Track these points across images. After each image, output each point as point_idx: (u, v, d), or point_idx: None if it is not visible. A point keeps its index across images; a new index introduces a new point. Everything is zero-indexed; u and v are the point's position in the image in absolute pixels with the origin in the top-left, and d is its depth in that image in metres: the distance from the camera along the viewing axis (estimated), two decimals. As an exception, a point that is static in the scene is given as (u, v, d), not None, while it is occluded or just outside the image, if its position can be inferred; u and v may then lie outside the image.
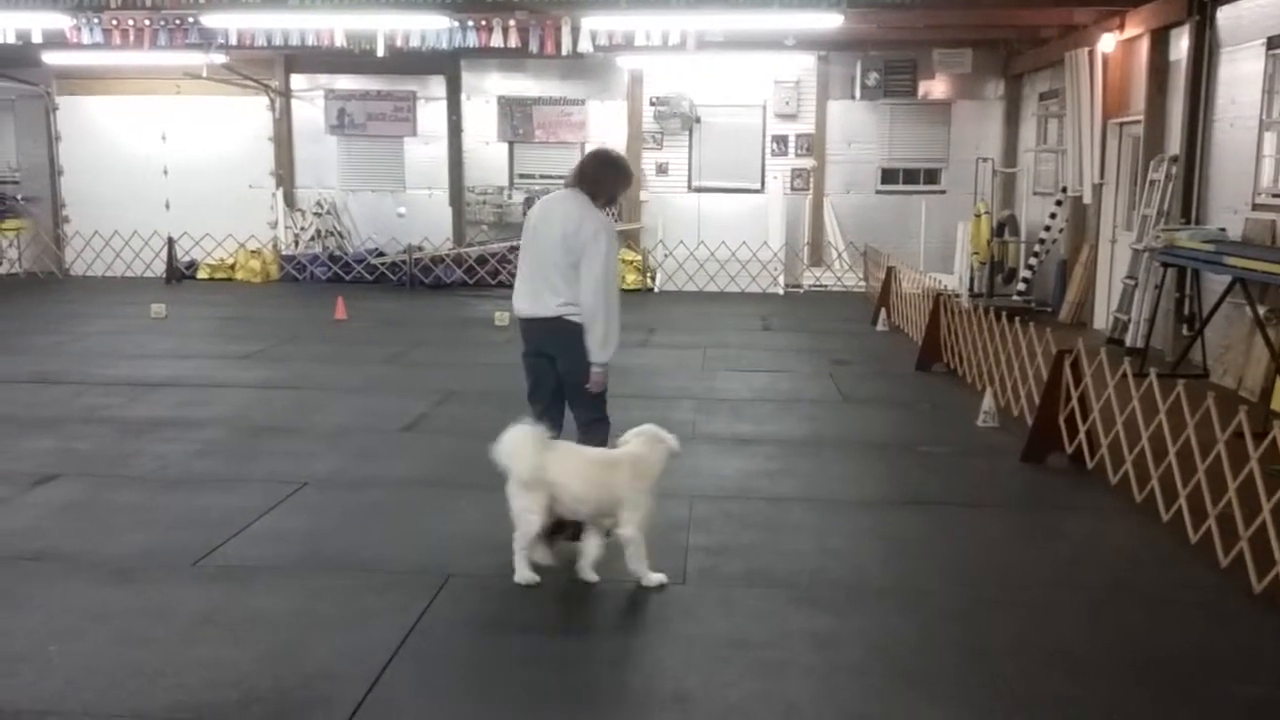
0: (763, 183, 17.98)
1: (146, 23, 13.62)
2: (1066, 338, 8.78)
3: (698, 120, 17.96)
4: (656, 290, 17.12)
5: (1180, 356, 10.20)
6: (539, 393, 5.79)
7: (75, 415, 8.64)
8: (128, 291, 16.65)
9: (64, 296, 16.47)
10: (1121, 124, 13.18)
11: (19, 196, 18.99)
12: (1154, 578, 5.50)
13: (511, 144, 18.43)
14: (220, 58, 16.08)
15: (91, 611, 4.89)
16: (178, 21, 13.68)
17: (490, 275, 17.46)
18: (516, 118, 18.30)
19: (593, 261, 5.48)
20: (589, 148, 17.40)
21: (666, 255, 17.38)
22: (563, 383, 5.73)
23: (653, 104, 17.92)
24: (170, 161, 18.89)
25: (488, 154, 18.47)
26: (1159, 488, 6.29)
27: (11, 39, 13.58)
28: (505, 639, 4.68)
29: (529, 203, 18.11)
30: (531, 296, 5.65)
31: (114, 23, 13.56)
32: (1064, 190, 14.54)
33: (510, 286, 18.15)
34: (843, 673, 4.40)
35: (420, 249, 17.66)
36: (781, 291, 17.14)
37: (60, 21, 13.28)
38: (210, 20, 13.34)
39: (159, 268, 18.35)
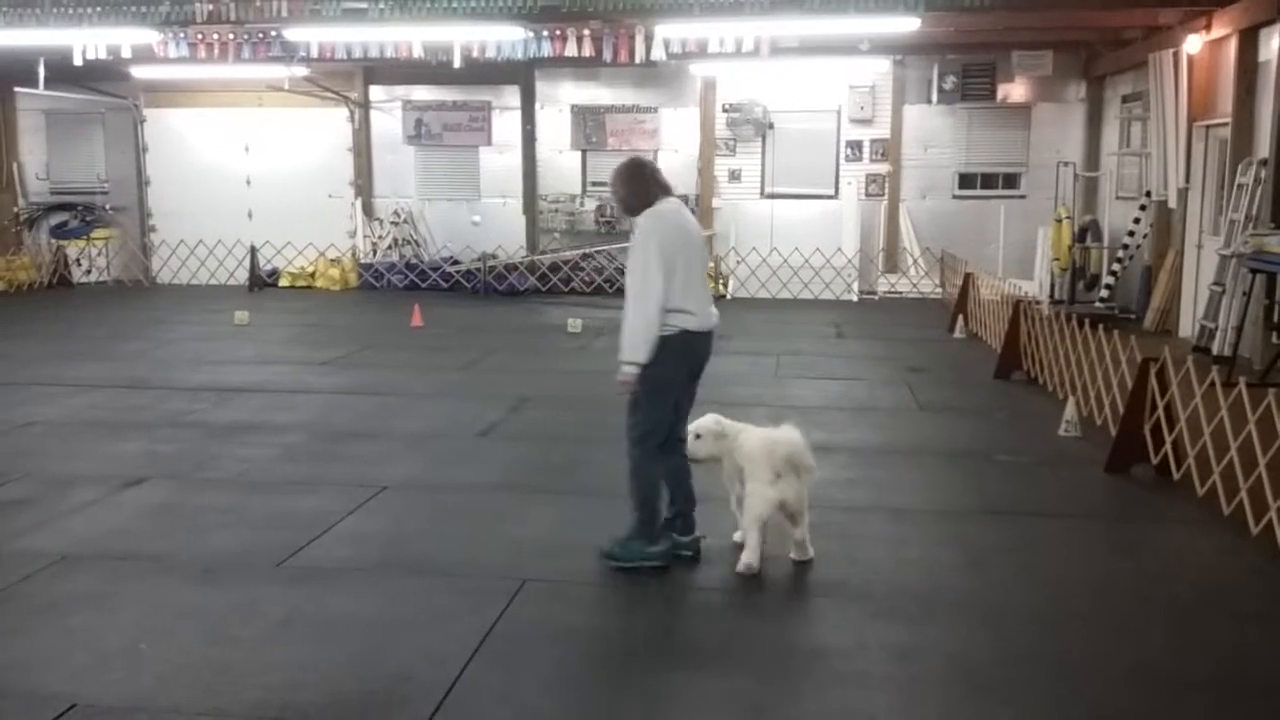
0: (837, 188, 17.84)
1: (231, 37, 13.94)
2: (1151, 345, 8.58)
3: (771, 126, 17.91)
4: (729, 297, 17.08)
5: (1270, 365, 9.91)
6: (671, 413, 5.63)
7: (162, 419, 8.88)
8: (212, 299, 17.07)
9: (150, 304, 16.95)
10: (1208, 127, 12.85)
11: (108, 206, 19.58)
12: (1243, 592, 5.35)
13: (584, 152, 18.55)
14: (301, 70, 16.41)
15: (180, 610, 5.02)
16: (261, 35, 14.00)
17: (563, 283, 17.57)
18: (589, 126, 18.41)
19: None
20: (662, 155, 17.75)
21: (739, 262, 17.34)
22: (690, 390, 5.71)
23: (726, 110, 17.92)
24: (253, 172, 19.33)
25: (561, 162, 18.60)
26: (1248, 500, 6.12)
27: (102, 54, 13.99)
28: (581, 643, 4.70)
29: (601, 210, 18.22)
30: (706, 309, 5.56)
31: (199, 37, 13.91)
32: (1148, 194, 14.21)
33: (581, 294, 17.97)
34: (920, 685, 4.35)
35: (494, 257, 17.84)
36: (855, 298, 17.00)
37: (148, 36, 13.66)
38: (292, 34, 13.63)
39: (242, 276, 18.78)
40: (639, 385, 5.38)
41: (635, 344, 5.34)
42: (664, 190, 5.60)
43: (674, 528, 5.65)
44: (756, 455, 5.44)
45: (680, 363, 5.48)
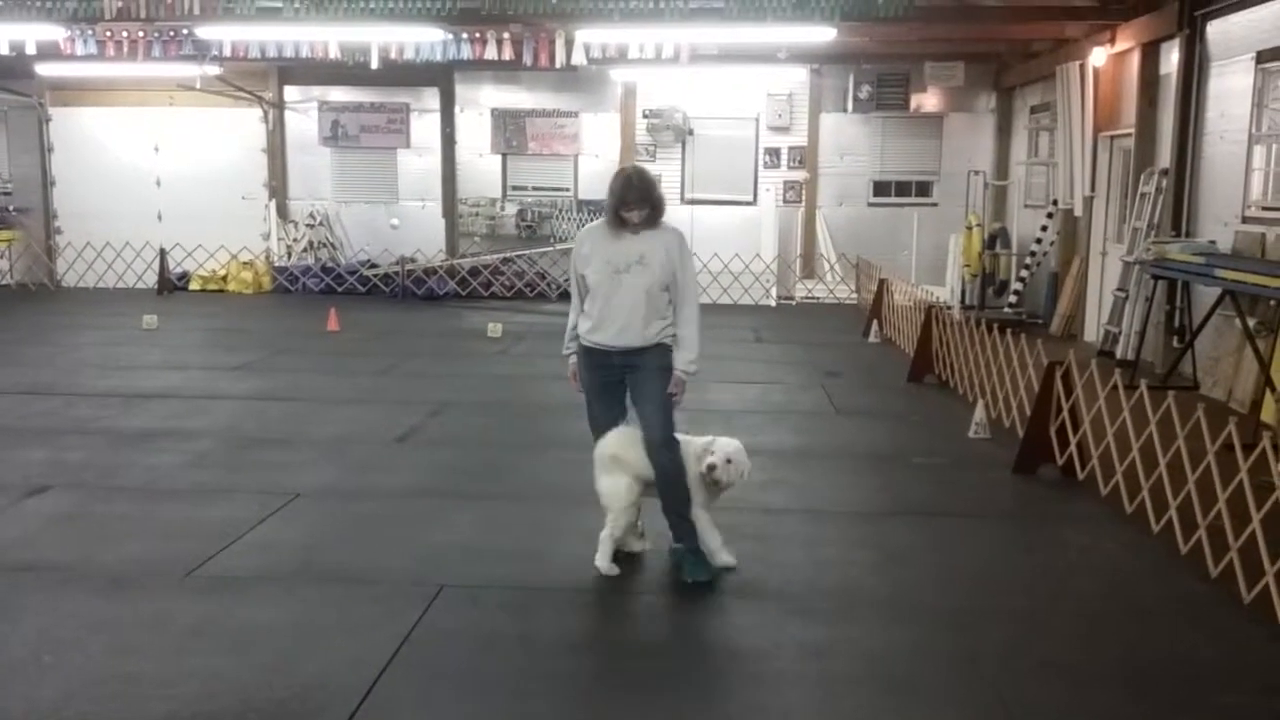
0: (755, 195, 18.03)
1: (141, 34, 13.62)
2: (1057, 350, 8.82)
3: (691, 133, 18.02)
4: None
5: (1170, 368, 10.25)
6: None
7: (67, 426, 8.63)
8: (119, 303, 16.63)
9: (55, 308, 16.45)
10: (1112, 137, 13.25)
11: (11, 207, 18.95)
12: (1144, 588, 5.53)
13: (505, 156, 18.47)
14: (214, 69, 16.11)
15: (85, 622, 4.89)
16: (172, 33, 13.70)
17: (483, 287, 17.48)
18: (510, 130, 18.34)
19: None
20: (582, 160, 17.80)
21: (659, 267, 17.36)
22: None
23: (646, 116, 17.98)
24: (163, 173, 18.89)
25: (481, 166, 18.51)
26: (1149, 499, 6.33)
27: (5, 50, 13.56)
28: (498, 649, 4.68)
29: (522, 215, 18.18)
30: None
31: (108, 34, 13.57)
32: (1055, 203, 14.61)
33: (501, 298, 17.93)
34: (836, 683, 4.42)
35: (413, 260, 17.68)
36: (774, 303, 17.18)
37: (54, 33, 13.28)
38: (204, 32, 13.37)
39: (151, 279, 18.32)
40: (675, 388, 5.56)
41: (700, 352, 5.59)
42: None
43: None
44: None
45: None
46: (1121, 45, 12.70)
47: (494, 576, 5.49)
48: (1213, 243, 10.25)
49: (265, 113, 18.50)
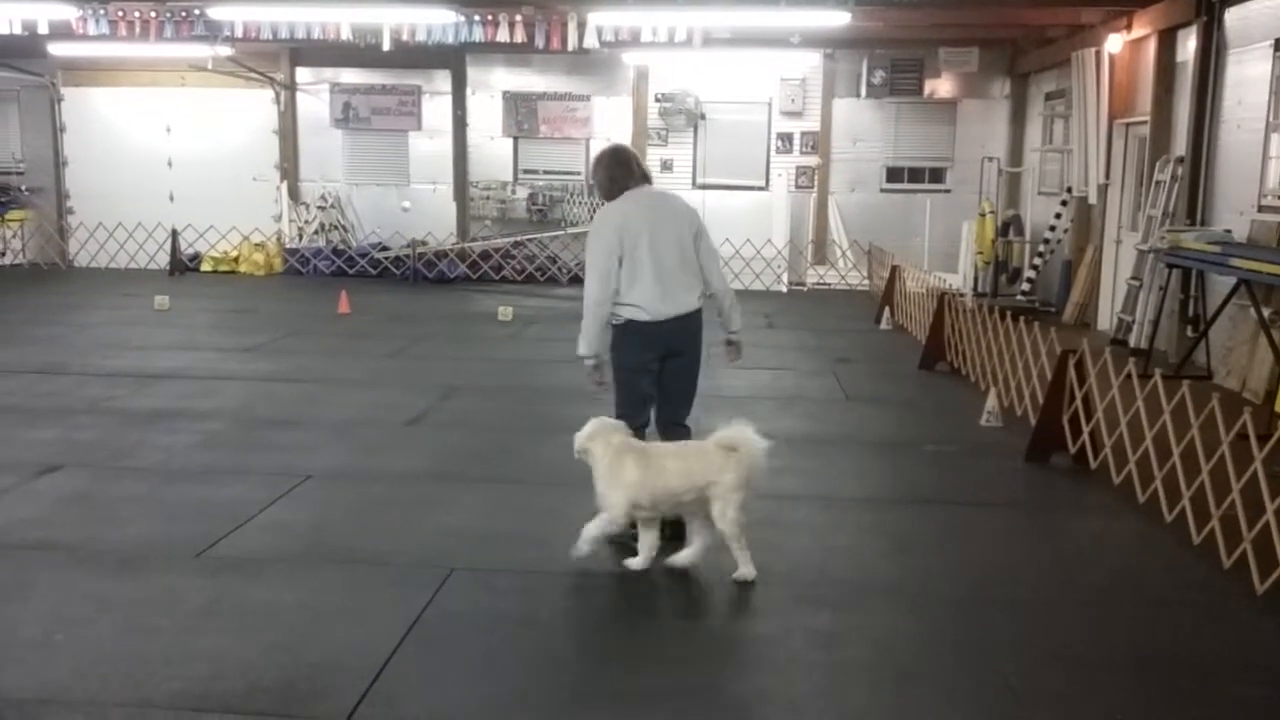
0: (767, 180, 17.96)
1: (153, 14, 13.62)
2: (1070, 338, 8.79)
3: (703, 117, 17.96)
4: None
5: (1184, 358, 10.19)
6: (648, 401, 5.72)
7: (79, 406, 8.65)
8: (131, 283, 16.67)
9: (67, 288, 16.50)
10: (1128, 124, 13.16)
11: (23, 187, 19.00)
12: (1156, 578, 5.51)
13: (516, 139, 18.43)
14: (226, 50, 16.09)
15: (96, 601, 4.90)
16: (184, 13, 13.69)
17: (494, 270, 17.47)
18: (521, 113, 18.30)
19: (715, 250, 5.98)
20: (594, 143, 17.74)
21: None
22: (676, 377, 5.76)
23: (658, 100, 17.92)
24: (175, 153, 18.90)
25: (492, 149, 18.47)
26: (1162, 488, 6.29)
27: (17, 29, 13.56)
28: (507, 632, 4.68)
29: (533, 198, 18.14)
30: (665, 296, 5.59)
31: (120, 14, 13.56)
32: (1069, 190, 14.52)
33: (512, 282, 17.76)
34: (845, 670, 4.41)
35: (424, 243, 17.67)
36: (785, 289, 17.14)
37: (66, 12, 13.28)
38: (216, 12, 13.35)
39: (162, 260, 18.37)
40: (610, 374, 5.56)
41: (582, 338, 5.59)
42: (640, 178, 5.72)
43: None
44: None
45: (635, 351, 5.61)
46: (1138, 32, 12.60)
47: (504, 560, 5.49)
48: (1228, 232, 10.17)
49: (277, 94, 18.48)
